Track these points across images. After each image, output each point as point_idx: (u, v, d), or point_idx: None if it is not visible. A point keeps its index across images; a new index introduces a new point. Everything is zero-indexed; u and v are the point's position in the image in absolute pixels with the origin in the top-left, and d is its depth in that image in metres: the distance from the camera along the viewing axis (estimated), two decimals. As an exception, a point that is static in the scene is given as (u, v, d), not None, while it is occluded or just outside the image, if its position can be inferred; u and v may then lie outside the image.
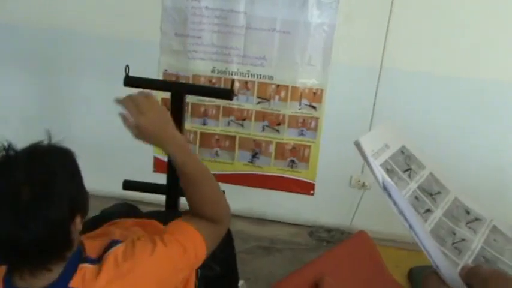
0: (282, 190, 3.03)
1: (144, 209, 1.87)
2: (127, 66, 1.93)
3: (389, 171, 0.79)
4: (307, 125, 2.89)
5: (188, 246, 1.23)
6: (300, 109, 2.85)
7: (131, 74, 1.98)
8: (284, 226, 3.07)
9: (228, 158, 2.98)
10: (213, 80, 2.82)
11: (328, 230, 3.05)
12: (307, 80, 2.80)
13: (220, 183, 1.38)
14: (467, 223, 0.82)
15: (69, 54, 2.98)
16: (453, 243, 0.77)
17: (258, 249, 2.74)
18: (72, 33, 2.92)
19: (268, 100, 2.85)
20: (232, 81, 2.03)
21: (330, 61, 2.76)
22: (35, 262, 1.06)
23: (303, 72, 2.78)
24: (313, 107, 2.85)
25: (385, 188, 0.74)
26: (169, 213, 1.83)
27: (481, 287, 0.64)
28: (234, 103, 2.86)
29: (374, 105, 2.87)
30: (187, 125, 2.92)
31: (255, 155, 2.96)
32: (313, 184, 3.00)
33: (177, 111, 1.90)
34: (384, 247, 2.61)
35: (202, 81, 2.84)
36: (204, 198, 1.30)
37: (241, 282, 2.16)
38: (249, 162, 2.97)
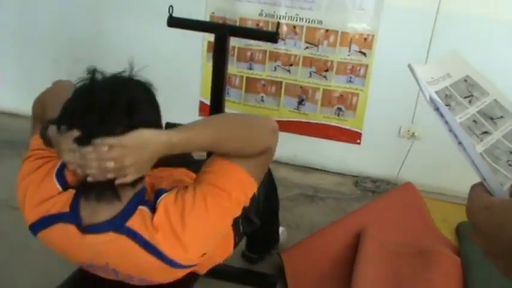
0: (327, 138, 2.98)
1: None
2: (171, 6, 1.90)
3: (448, 97, 0.82)
4: (356, 72, 2.79)
5: (233, 188, 1.21)
6: (349, 55, 2.75)
7: (177, 15, 1.95)
8: (329, 175, 3.04)
9: (273, 104, 2.94)
10: (260, 24, 2.75)
11: (374, 181, 2.99)
12: (357, 24, 2.68)
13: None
14: None
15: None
16: (508, 161, 0.79)
17: (300, 197, 2.73)
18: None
19: (317, 45, 2.76)
20: (278, 23, 1.95)
21: (383, 5, 2.63)
22: (108, 185, 1.09)
23: (353, 16, 2.66)
24: (363, 54, 2.74)
25: (436, 108, 0.76)
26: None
27: None
28: (281, 48, 2.79)
29: (428, 52, 2.74)
30: (233, 69, 2.88)
31: (301, 102, 2.90)
32: (360, 133, 2.93)
33: (221, 53, 1.86)
34: (431, 200, 2.55)
35: (249, 25, 2.77)
36: (235, 151, 1.24)
37: (281, 229, 2.16)
38: (294, 109, 2.92)
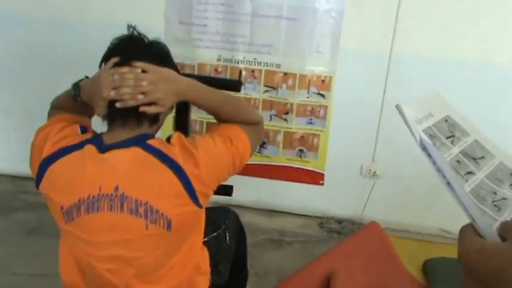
0: (290, 180, 2.97)
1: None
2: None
3: (432, 137, 0.82)
4: (315, 114, 2.82)
5: (234, 138, 1.37)
6: (308, 97, 2.78)
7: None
8: (293, 217, 3.01)
9: (235, 149, 2.92)
10: (219, 69, 2.75)
11: (339, 221, 2.99)
12: (315, 67, 2.72)
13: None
14: (510, 184, 0.85)
15: (70, 42, 2.92)
16: (493, 201, 0.79)
17: (267, 242, 2.69)
18: (73, 22, 2.87)
19: (276, 88, 2.78)
20: (240, 71, 1.97)
21: (339, 48, 2.68)
22: (133, 112, 1.26)
23: (311, 59, 2.70)
24: (322, 95, 2.78)
25: (424, 148, 0.77)
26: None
27: None
28: (241, 92, 2.78)
29: (384, 92, 2.80)
30: (193, 114, 2.85)
31: (262, 145, 2.89)
32: (323, 174, 2.94)
33: (184, 102, 1.84)
34: (397, 238, 2.55)
35: (208, 70, 2.77)
36: (233, 115, 1.43)
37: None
38: (257, 152, 2.91)
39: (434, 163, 0.76)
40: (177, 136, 1.29)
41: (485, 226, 0.71)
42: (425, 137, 0.78)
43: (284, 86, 2.77)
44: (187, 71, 2.76)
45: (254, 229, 2.77)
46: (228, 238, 1.71)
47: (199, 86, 1.39)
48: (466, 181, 0.80)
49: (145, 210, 1.22)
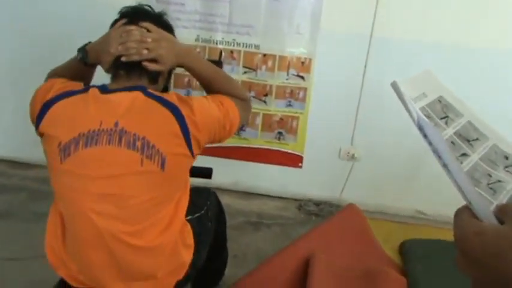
0: (269, 163, 2.95)
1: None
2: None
3: (426, 117, 0.79)
4: (295, 96, 2.80)
5: (225, 103, 1.45)
6: (287, 79, 2.75)
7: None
8: (272, 200, 3.01)
9: (213, 131, 2.89)
10: (197, 49, 2.70)
11: (317, 203, 2.99)
12: (295, 49, 2.69)
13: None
14: (505, 167, 0.84)
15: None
16: (488, 184, 0.78)
17: (245, 225, 2.68)
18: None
19: (255, 70, 2.75)
20: (220, 52, 1.97)
21: (319, 30, 2.66)
22: (137, 65, 1.38)
23: (290, 41, 2.67)
24: (301, 77, 2.75)
25: (420, 128, 0.74)
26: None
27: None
28: (219, 73, 2.75)
29: (364, 75, 2.79)
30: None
31: (241, 127, 2.87)
32: (302, 157, 2.93)
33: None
34: (374, 220, 2.56)
35: (186, 51, 2.72)
36: (225, 88, 1.51)
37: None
38: (235, 134, 2.88)
39: (430, 144, 0.73)
40: (172, 91, 1.41)
41: (483, 208, 0.70)
42: (423, 116, 0.75)
43: (263, 67, 2.74)
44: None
45: (233, 211, 2.76)
46: (210, 219, 1.69)
47: (196, 54, 1.58)
48: (461, 163, 0.78)
49: (142, 144, 1.28)
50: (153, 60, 1.39)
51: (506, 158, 0.86)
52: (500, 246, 0.61)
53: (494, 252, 0.61)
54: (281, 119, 2.85)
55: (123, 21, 1.42)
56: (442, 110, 0.87)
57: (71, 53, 1.55)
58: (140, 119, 1.31)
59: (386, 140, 2.90)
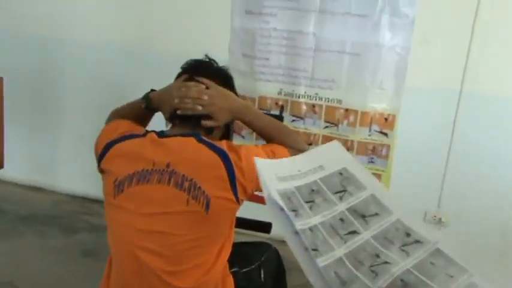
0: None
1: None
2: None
3: (314, 192, 0.80)
4: (377, 153, 2.71)
5: (278, 153, 1.50)
6: (369, 135, 2.68)
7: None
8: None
9: (293, 184, 2.86)
10: (280, 102, 2.74)
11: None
12: (377, 104, 2.64)
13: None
14: (402, 245, 0.80)
15: (140, 73, 3.03)
16: (371, 266, 0.75)
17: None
18: (142, 52, 2.98)
19: (336, 125, 2.72)
20: (282, 106, 2.05)
21: (403, 85, 2.59)
22: (193, 118, 1.51)
23: (373, 96, 2.62)
24: (384, 134, 2.67)
25: (281, 209, 0.73)
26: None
27: None
28: (301, 126, 2.75)
29: (453, 133, 2.66)
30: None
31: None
32: (383, 216, 2.80)
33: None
34: None
35: (269, 103, 2.76)
36: (282, 139, 1.59)
37: None
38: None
39: (291, 224, 0.71)
40: (224, 140, 1.49)
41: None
42: (276, 196, 0.74)
43: (345, 122, 2.70)
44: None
45: (298, 267, 2.66)
46: (263, 275, 1.65)
47: (252, 109, 1.64)
48: (345, 242, 0.75)
49: (189, 185, 1.34)
50: (209, 116, 1.51)
51: (408, 235, 0.81)
52: None
53: None
54: (362, 176, 2.76)
55: (185, 76, 1.57)
56: (341, 184, 0.84)
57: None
58: (190, 161, 1.39)
59: (481, 205, 2.70)
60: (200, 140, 1.43)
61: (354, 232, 0.78)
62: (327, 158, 0.88)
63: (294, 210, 0.76)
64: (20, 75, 3.37)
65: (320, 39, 2.61)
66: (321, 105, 2.71)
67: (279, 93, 2.75)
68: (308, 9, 2.59)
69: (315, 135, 2.76)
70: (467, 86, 2.53)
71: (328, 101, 2.70)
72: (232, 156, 1.38)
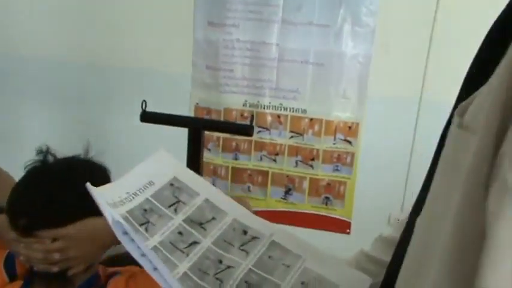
0: (316, 228, 2.88)
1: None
2: (144, 101, 1.89)
3: (147, 212, 0.76)
4: (342, 160, 2.76)
5: None
6: (334, 144, 2.73)
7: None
8: (319, 267, 2.91)
9: (260, 194, 2.87)
10: (245, 114, 2.74)
11: (366, 272, 2.87)
12: (342, 113, 2.68)
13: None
14: (241, 245, 0.80)
15: (102, 88, 2.96)
16: (216, 274, 0.74)
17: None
18: (101, 69, 2.92)
19: (302, 134, 2.74)
20: (252, 116, 1.98)
21: (366, 94, 2.65)
22: (58, 275, 1.07)
23: (337, 105, 2.67)
24: (349, 142, 2.72)
25: (124, 233, 0.69)
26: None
27: None
28: (266, 137, 2.77)
29: (414, 139, 2.73)
30: (219, 159, 2.84)
31: (288, 191, 2.84)
32: (350, 222, 2.85)
33: (195, 146, 1.85)
34: None
35: (234, 115, 2.76)
36: None
37: None
38: (281, 198, 2.85)
39: (138, 247, 0.68)
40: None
41: None
42: (121, 220, 0.70)
43: (310, 131, 2.73)
44: (214, 117, 2.77)
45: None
46: None
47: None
48: (187, 255, 0.74)
49: None
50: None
51: (245, 232, 0.82)
52: None
53: None
54: (328, 184, 2.80)
55: (20, 223, 1.06)
56: (173, 195, 0.81)
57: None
58: None
59: (440, 207, 2.79)
60: None
61: (194, 243, 0.77)
62: (155, 170, 0.83)
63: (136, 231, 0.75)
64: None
65: (283, 49, 2.64)
66: (286, 116, 2.74)
67: (244, 104, 2.75)
68: (271, 19, 2.62)
69: (281, 145, 2.78)
70: (427, 94, 2.61)
71: (293, 111, 2.72)
72: None
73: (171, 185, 0.83)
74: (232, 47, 2.68)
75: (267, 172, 2.83)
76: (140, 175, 0.81)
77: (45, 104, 3.11)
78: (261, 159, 2.82)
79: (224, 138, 2.81)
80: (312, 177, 2.80)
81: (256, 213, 1.02)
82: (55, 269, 1.06)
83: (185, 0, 2.70)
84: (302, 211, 2.85)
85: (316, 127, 2.72)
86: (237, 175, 2.87)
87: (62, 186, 1.08)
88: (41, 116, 3.15)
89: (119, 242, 0.97)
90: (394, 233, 1.28)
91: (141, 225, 0.76)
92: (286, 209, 2.87)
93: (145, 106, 1.92)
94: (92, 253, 1.10)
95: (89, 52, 2.95)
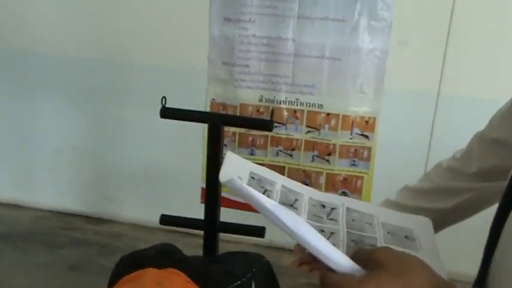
0: (333, 223, 2.87)
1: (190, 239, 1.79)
2: (164, 97, 1.90)
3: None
4: (359, 155, 2.74)
5: None
6: (351, 138, 2.71)
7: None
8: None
9: (276, 190, 2.87)
10: (261, 109, 2.74)
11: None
12: (358, 108, 2.67)
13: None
14: (327, 216, 0.90)
15: (120, 85, 2.99)
16: (328, 239, 0.79)
17: (307, 287, 2.59)
18: (123, 64, 2.94)
19: (318, 129, 2.73)
20: (272, 111, 1.96)
21: (383, 88, 2.63)
22: None
23: (354, 100, 2.65)
24: (366, 136, 2.71)
25: (274, 214, 0.75)
26: (210, 260, 1.72)
27: (374, 266, 0.69)
28: (283, 132, 2.76)
29: (431, 134, 2.71)
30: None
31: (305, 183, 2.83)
32: (367, 217, 2.84)
33: (215, 142, 1.84)
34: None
35: (250, 110, 2.76)
36: None
37: None
38: (298, 193, 2.85)
39: (285, 226, 0.74)
40: None
41: (345, 262, 0.72)
42: (275, 203, 0.76)
43: (327, 126, 2.72)
44: (230, 112, 2.77)
45: (294, 272, 2.68)
46: None
47: None
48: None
49: None
50: None
51: (323, 206, 0.91)
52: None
53: None
54: (345, 178, 2.79)
55: None
56: (259, 185, 0.86)
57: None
58: None
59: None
60: None
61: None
62: (236, 168, 0.90)
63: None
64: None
65: (299, 44, 2.63)
66: (302, 111, 2.73)
67: (260, 100, 2.75)
68: (287, 14, 2.61)
69: (297, 140, 2.77)
70: (445, 88, 2.59)
71: (309, 106, 2.71)
72: None
73: (253, 178, 0.89)
74: (248, 43, 2.67)
75: (284, 167, 2.83)
76: (231, 173, 0.84)
77: (64, 101, 3.15)
78: (277, 154, 2.82)
79: (240, 134, 2.81)
80: (329, 172, 2.79)
81: None
82: None
83: (201, -4, 2.71)
84: (319, 206, 2.85)
85: (333, 122, 2.71)
86: (254, 170, 2.87)
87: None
88: (60, 113, 3.20)
89: None
90: (418, 183, 1.51)
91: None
92: (303, 204, 2.86)
93: (165, 102, 1.93)
94: None
95: (106, 49, 2.98)
